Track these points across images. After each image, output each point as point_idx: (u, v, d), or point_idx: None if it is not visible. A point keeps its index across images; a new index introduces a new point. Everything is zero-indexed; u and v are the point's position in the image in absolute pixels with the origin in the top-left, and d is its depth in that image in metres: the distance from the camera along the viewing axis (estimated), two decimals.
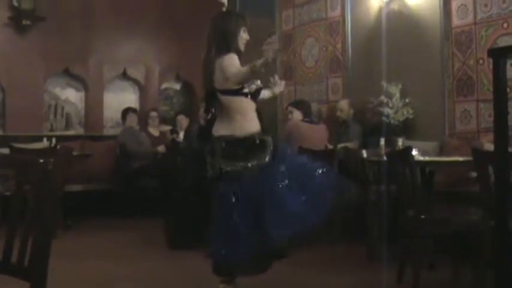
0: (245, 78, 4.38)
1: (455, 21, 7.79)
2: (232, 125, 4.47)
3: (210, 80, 4.51)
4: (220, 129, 4.50)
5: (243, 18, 4.77)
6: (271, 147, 4.52)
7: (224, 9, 4.91)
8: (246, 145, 4.44)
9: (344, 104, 8.80)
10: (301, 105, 7.75)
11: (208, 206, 6.29)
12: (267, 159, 4.46)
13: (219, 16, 4.82)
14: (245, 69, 4.28)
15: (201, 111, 7.88)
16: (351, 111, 8.71)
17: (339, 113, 8.79)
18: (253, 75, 4.31)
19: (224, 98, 4.47)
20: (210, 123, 6.15)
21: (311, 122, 7.64)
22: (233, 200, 4.39)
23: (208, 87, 4.61)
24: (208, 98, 4.69)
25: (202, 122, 7.68)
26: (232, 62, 4.42)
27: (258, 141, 4.48)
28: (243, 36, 4.65)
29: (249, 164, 4.41)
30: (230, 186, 4.40)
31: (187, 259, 6.18)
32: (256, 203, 4.35)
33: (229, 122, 4.49)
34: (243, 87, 4.46)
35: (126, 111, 10.03)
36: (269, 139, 4.56)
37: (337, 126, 8.73)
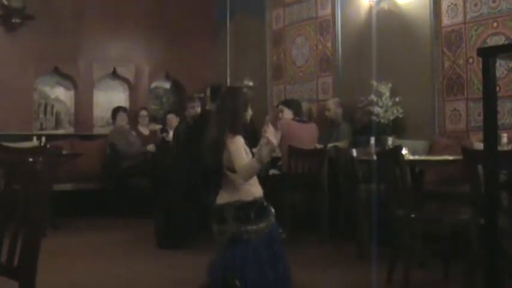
0: (254, 172, 4.50)
1: (445, 20, 7.81)
2: (238, 192, 4.55)
3: (219, 159, 4.55)
4: (226, 197, 4.56)
5: (247, 95, 4.91)
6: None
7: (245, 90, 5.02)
8: (255, 208, 4.54)
9: (331, 103, 8.79)
10: (291, 104, 7.75)
11: (197, 208, 6.31)
12: (273, 221, 4.57)
13: (230, 94, 4.89)
14: (254, 164, 4.40)
15: (188, 111, 7.90)
16: (339, 110, 8.69)
17: (327, 113, 8.79)
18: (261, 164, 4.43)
19: (231, 175, 4.53)
20: (199, 123, 6.24)
21: (301, 121, 7.64)
22: (245, 262, 4.47)
23: (215, 164, 4.69)
24: (214, 172, 4.76)
25: (190, 121, 7.69)
26: (239, 153, 4.51)
27: (265, 204, 4.60)
28: (249, 112, 4.78)
29: (261, 225, 4.51)
30: (243, 251, 4.49)
31: (177, 258, 6.18)
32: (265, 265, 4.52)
33: (234, 190, 4.56)
34: None
35: (116, 110, 10.01)
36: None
37: (326, 126, 8.73)
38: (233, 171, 4.49)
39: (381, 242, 5.78)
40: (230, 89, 5.06)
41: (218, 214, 4.56)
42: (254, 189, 4.64)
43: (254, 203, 4.55)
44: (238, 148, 4.53)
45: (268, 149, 4.33)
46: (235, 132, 4.55)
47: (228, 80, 10.92)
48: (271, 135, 4.35)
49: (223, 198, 4.56)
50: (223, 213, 4.53)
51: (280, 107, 7.80)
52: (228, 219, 4.51)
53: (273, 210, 4.68)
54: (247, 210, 4.53)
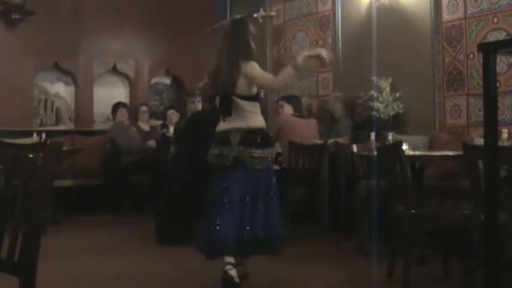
0: (289, 79, 4.90)
1: (446, 15, 7.81)
2: (245, 118, 4.88)
3: (232, 86, 4.86)
4: (233, 123, 4.86)
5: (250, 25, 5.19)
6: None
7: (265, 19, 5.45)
8: (261, 135, 4.88)
9: (332, 97, 8.79)
10: (292, 99, 7.74)
11: (197, 205, 6.35)
12: (273, 154, 5.04)
13: (237, 24, 5.12)
14: (288, 70, 4.78)
15: (189, 106, 7.90)
16: (338, 105, 8.67)
17: (326, 107, 8.79)
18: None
19: (241, 102, 4.86)
20: (195, 119, 6.41)
21: (301, 116, 7.63)
22: (240, 187, 4.81)
23: (227, 92, 4.90)
24: (223, 100, 4.98)
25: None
26: (262, 72, 4.95)
27: (270, 134, 5.10)
28: (253, 45, 5.06)
29: (266, 152, 4.87)
30: (244, 175, 4.82)
31: (178, 254, 6.17)
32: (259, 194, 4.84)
33: (242, 117, 4.87)
34: (258, 93, 4.98)
35: (116, 106, 10.00)
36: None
37: (326, 121, 8.74)
38: (245, 98, 4.84)
39: (381, 237, 5.79)
40: (236, 20, 5.20)
41: (223, 138, 4.85)
42: (261, 118, 4.96)
43: (261, 130, 4.89)
44: (260, 70, 4.89)
45: (312, 60, 4.80)
46: (248, 59, 4.85)
47: None
48: (323, 52, 4.77)
49: (230, 124, 4.86)
50: (229, 138, 4.81)
51: (280, 102, 7.80)
52: (233, 143, 4.80)
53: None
54: (254, 135, 4.83)
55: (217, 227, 4.73)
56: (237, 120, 4.86)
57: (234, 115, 4.87)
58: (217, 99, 5.01)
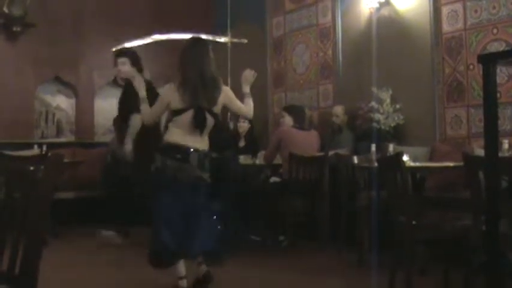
0: None
1: (446, 27, 7.82)
2: (207, 141, 5.14)
3: (214, 103, 5.12)
4: (203, 145, 5.10)
5: None
6: None
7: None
8: (209, 157, 5.19)
9: (340, 109, 8.78)
10: (293, 110, 7.72)
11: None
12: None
13: (206, 47, 5.34)
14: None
15: None
16: (345, 118, 8.71)
17: (334, 119, 8.77)
18: None
19: (211, 120, 5.09)
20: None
21: (302, 128, 7.61)
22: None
23: (207, 106, 5.10)
24: (198, 113, 5.11)
25: None
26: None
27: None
28: None
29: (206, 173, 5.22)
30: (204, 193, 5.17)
31: None
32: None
33: (203, 138, 5.10)
34: None
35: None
36: None
37: (328, 133, 8.73)
38: (215, 117, 5.07)
39: (382, 248, 5.78)
40: (203, 39, 5.53)
41: (200, 161, 5.01)
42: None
43: (209, 153, 5.13)
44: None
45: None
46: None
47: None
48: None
49: (202, 144, 5.08)
50: (205, 160, 5.04)
51: (282, 112, 7.80)
52: (206, 167, 5.04)
53: None
54: (207, 158, 5.09)
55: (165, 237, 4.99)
56: (206, 140, 5.09)
57: (204, 134, 5.09)
58: (189, 112, 5.03)
